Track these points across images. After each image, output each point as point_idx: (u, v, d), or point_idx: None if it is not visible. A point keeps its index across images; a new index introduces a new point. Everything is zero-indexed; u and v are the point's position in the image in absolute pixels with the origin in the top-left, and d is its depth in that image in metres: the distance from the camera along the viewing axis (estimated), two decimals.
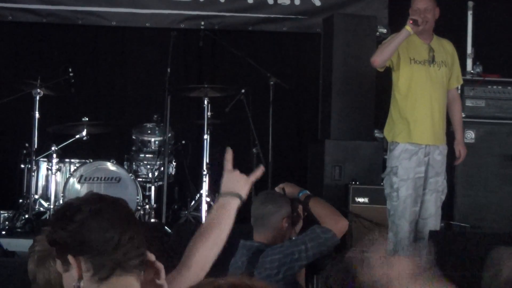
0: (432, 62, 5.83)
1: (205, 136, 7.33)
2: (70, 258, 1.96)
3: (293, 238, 3.96)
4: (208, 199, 7.11)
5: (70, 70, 7.28)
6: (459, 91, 7.12)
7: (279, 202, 3.91)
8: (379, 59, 5.72)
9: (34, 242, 2.58)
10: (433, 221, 5.84)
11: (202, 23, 7.86)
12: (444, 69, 5.87)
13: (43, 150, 7.29)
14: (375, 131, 7.48)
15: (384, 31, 7.90)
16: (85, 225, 1.95)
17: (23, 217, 7.03)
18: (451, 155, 6.05)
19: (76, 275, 1.96)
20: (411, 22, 5.63)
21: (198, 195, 7.28)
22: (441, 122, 5.87)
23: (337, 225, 3.82)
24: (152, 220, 7.18)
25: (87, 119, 7.44)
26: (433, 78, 5.82)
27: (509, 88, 7.30)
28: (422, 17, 5.67)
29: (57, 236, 1.99)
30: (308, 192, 4.07)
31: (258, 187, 7.35)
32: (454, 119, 6.07)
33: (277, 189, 4.10)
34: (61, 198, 7.08)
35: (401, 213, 5.74)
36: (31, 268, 2.52)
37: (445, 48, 5.95)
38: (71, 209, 2.00)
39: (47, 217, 7.00)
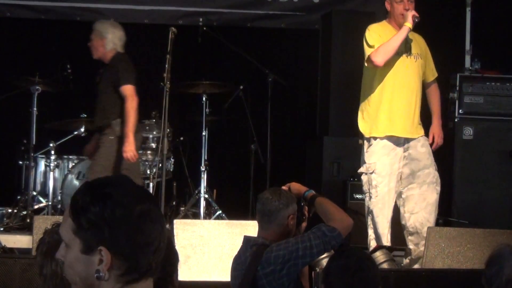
0: (409, 54, 5.82)
1: (204, 133, 7.33)
2: (104, 250, 1.79)
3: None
4: (206, 195, 7.11)
5: (68, 66, 7.27)
6: (457, 88, 7.14)
7: (287, 199, 3.90)
8: (384, 60, 5.66)
9: (44, 234, 2.57)
10: (425, 213, 5.76)
11: (201, 19, 7.84)
12: (420, 61, 5.86)
13: (41, 147, 7.29)
14: None
15: None
16: (131, 225, 1.80)
17: (21, 214, 7.03)
18: (443, 149, 6.05)
19: (104, 269, 1.80)
20: (413, 19, 5.63)
21: (196, 191, 7.27)
22: (418, 113, 5.85)
23: (343, 223, 3.82)
24: None
25: (85, 115, 7.43)
26: (410, 69, 5.80)
27: (508, 84, 7.30)
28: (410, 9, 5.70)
29: (96, 228, 1.80)
30: (313, 191, 4.06)
31: (256, 183, 7.41)
32: (433, 107, 6.05)
33: (283, 188, 4.09)
34: (59, 195, 7.08)
35: (380, 210, 5.69)
36: (38, 260, 2.51)
37: (418, 42, 5.94)
38: (117, 204, 1.81)
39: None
